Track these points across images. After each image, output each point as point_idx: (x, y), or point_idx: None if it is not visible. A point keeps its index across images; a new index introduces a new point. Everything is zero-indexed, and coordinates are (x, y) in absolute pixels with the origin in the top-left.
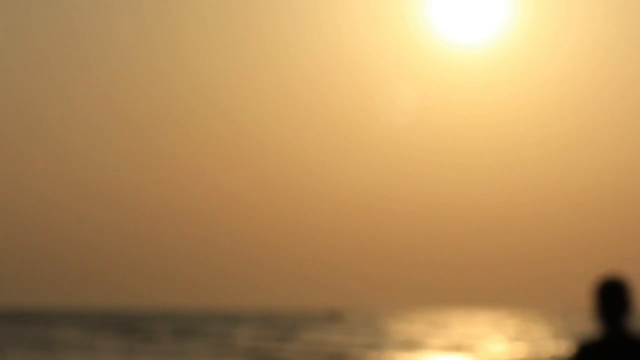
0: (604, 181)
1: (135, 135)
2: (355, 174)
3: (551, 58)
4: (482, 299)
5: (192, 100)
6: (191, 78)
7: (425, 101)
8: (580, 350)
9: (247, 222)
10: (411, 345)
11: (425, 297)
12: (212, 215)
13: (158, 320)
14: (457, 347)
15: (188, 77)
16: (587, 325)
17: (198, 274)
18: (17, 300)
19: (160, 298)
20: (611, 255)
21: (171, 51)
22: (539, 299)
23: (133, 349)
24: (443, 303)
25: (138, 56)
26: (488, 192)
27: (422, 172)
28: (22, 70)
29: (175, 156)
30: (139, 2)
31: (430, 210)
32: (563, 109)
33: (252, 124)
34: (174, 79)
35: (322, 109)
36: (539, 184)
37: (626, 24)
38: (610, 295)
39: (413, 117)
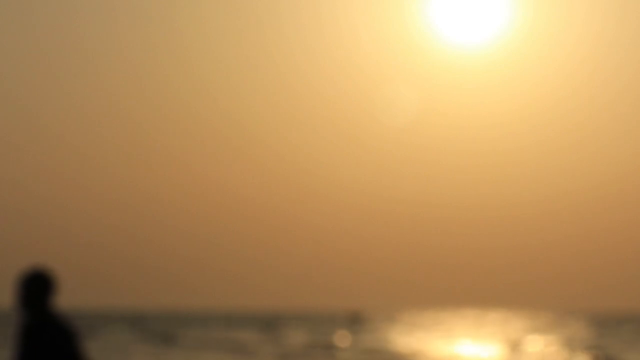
0: (604, 181)
1: (135, 135)
2: (355, 174)
3: (551, 58)
4: (482, 299)
5: (192, 100)
6: (191, 78)
7: (425, 101)
8: (37, 329)
9: (246, 222)
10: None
11: (425, 298)
12: (212, 215)
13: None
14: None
15: (188, 77)
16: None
17: (198, 274)
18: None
19: (160, 298)
20: (611, 255)
21: (171, 51)
22: (539, 300)
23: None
24: (443, 303)
25: (138, 56)
26: (488, 192)
27: (422, 172)
28: (22, 70)
29: (175, 156)
30: (139, 2)
31: (430, 211)
32: (563, 109)
33: (252, 124)
34: (174, 79)
35: (322, 109)
36: (539, 184)
37: (626, 24)
38: (37, 283)
39: (413, 118)
